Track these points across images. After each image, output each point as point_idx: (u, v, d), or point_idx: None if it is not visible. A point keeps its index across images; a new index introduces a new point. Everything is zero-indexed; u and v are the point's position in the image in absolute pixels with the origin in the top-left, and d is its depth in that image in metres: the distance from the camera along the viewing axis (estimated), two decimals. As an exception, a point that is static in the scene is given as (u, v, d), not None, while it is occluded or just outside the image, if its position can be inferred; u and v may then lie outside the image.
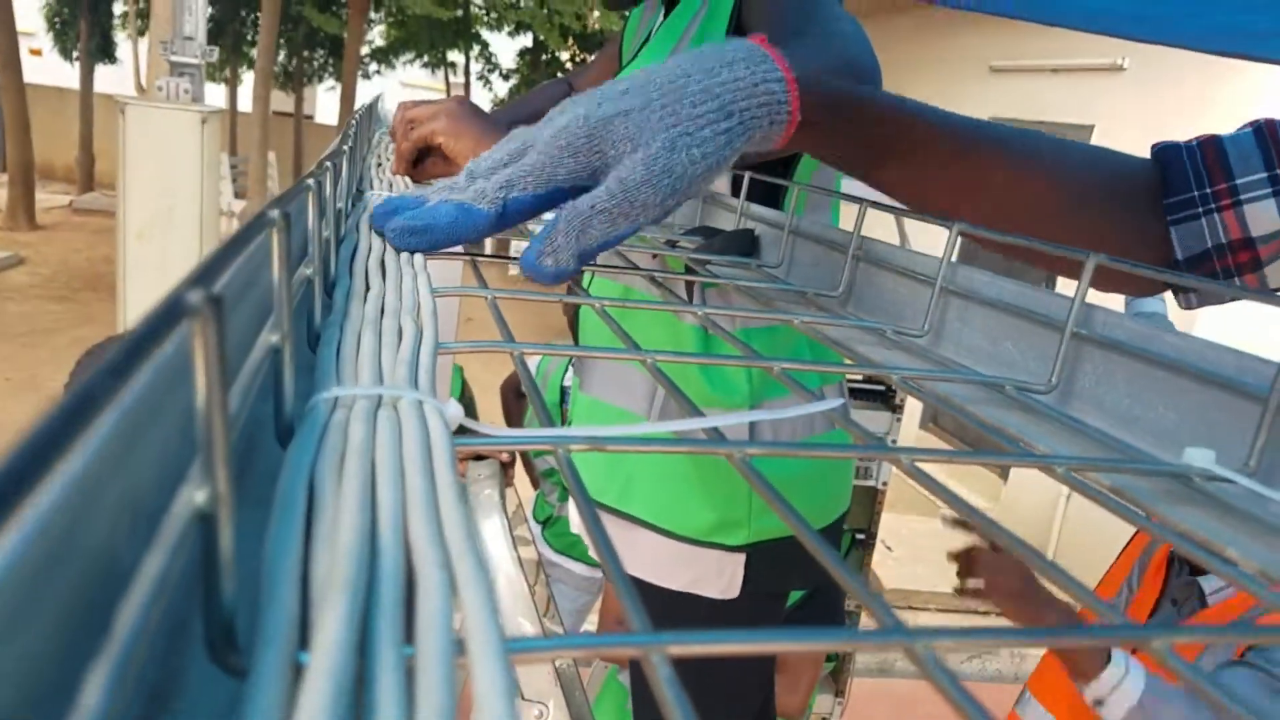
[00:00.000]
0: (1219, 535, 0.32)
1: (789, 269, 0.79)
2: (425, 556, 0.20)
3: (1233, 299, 0.49)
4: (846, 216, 1.03)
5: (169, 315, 0.15)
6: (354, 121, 0.78)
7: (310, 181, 0.34)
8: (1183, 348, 0.41)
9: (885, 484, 2.58)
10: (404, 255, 0.55)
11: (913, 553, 4.57)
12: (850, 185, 1.07)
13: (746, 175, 0.87)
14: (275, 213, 0.25)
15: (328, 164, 0.45)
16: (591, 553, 1.33)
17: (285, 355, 0.27)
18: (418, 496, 0.23)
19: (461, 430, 0.31)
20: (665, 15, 1.15)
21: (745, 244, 0.83)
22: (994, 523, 0.31)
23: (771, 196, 0.99)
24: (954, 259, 0.57)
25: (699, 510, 1.09)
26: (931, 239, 0.77)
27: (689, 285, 0.95)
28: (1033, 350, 0.49)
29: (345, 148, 0.57)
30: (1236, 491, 0.34)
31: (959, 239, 0.56)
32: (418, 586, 0.20)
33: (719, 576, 1.12)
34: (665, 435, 0.34)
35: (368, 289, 0.47)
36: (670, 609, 1.14)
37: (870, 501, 2.56)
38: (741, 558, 1.11)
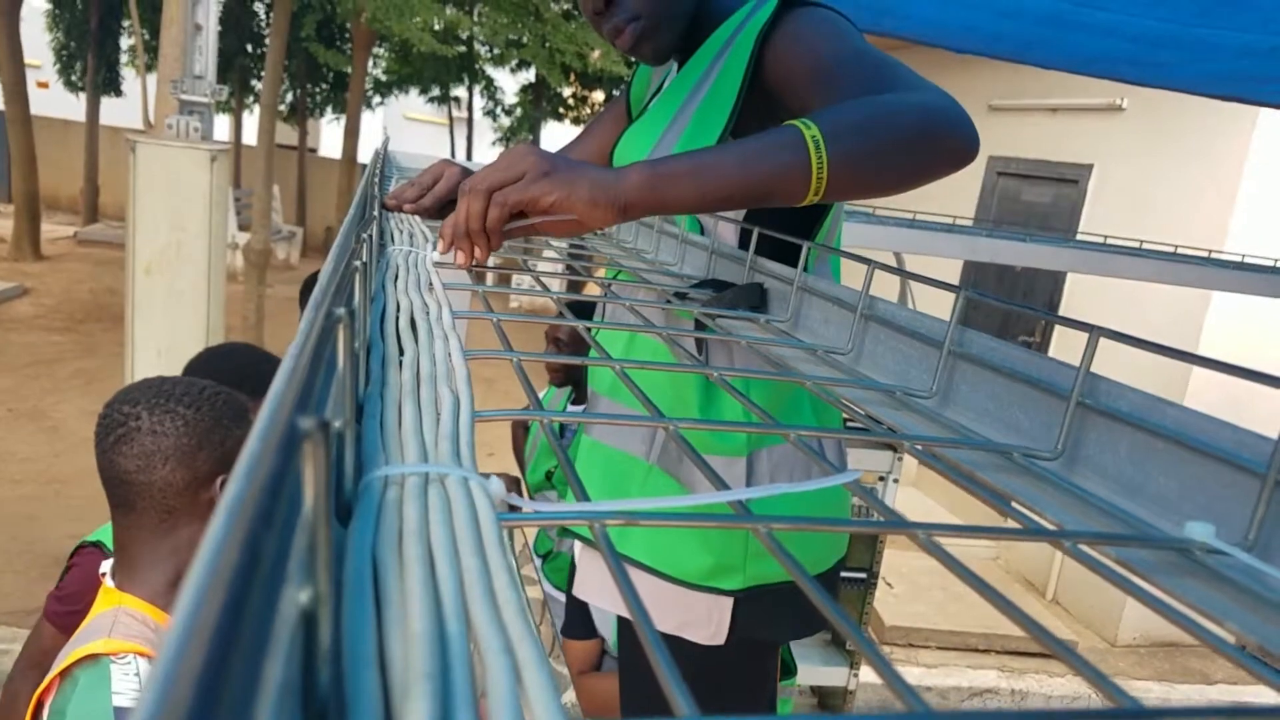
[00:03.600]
0: (1218, 609, 0.34)
1: (797, 323, 0.81)
2: (489, 642, 0.22)
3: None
4: (848, 273, 1.05)
5: (288, 441, 0.17)
6: (375, 179, 0.80)
7: (358, 263, 0.36)
8: (1183, 420, 0.42)
9: (887, 523, 2.59)
10: (432, 313, 0.57)
11: (913, 590, 4.57)
12: (853, 245, 1.09)
13: (755, 230, 0.89)
14: (342, 310, 0.27)
15: (365, 235, 0.47)
16: (616, 609, 1.33)
17: (347, 439, 0.29)
18: (474, 579, 0.25)
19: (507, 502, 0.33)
20: (679, 67, 1.18)
21: (755, 298, 0.85)
22: (991, 587, 0.32)
23: (779, 250, 1.01)
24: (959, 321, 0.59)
25: (695, 554, 1.10)
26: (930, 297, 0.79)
27: (698, 336, 0.97)
28: (1038, 416, 0.51)
29: (375, 213, 0.59)
30: (1235, 565, 0.36)
31: (964, 301, 0.59)
32: (485, 670, 0.21)
33: (707, 622, 1.12)
34: (695, 509, 0.36)
35: (401, 352, 0.49)
36: None
37: (872, 542, 2.57)
38: (730, 603, 1.11)
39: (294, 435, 0.17)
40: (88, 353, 7.27)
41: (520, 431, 3.03)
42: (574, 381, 2.71)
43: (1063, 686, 4.27)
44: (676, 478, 1.11)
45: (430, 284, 0.68)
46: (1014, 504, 0.44)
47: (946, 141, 0.80)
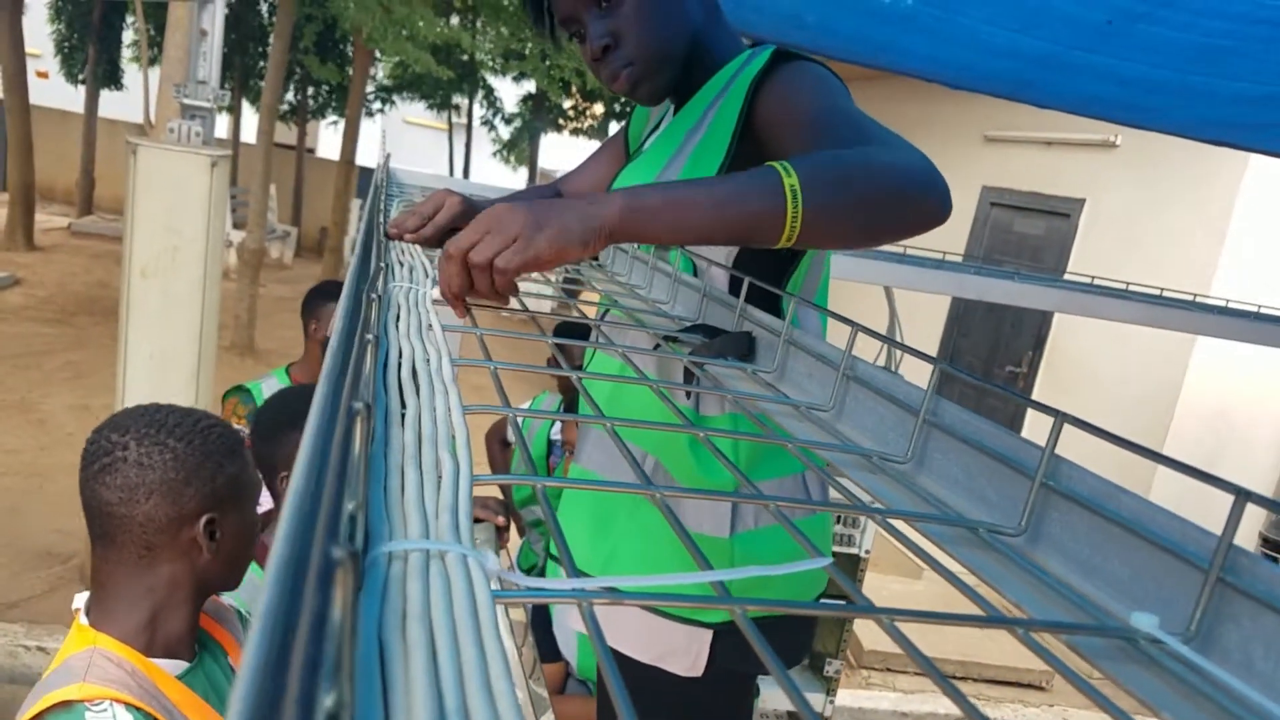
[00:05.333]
0: (1155, 697, 0.36)
1: (782, 375, 0.84)
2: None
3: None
4: (833, 321, 1.09)
5: (324, 570, 0.19)
6: (379, 221, 0.83)
7: (370, 336, 0.39)
8: (1136, 509, 0.45)
9: (868, 552, 2.62)
10: (433, 363, 0.60)
11: (893, 615, 4.59)
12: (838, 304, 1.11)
13: (746, 280, 0.92)
14: (360, 404, 0.30)
15: (373, 296, 0.49)
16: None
17: (359, 522, 0.31)
18: (472, 670, 0.28)
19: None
20: (675, 110, 1.21)
21: (743, 346, 0.88)
22: (955, 687, 0.35)
23: (766, 299, 1.04)
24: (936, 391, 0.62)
25: (678, 587, 1.12)
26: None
27: (687, 378, 1.00)
28: (1005, 490, 0.54)
29: (381, 263, 0.61)
30: (1178, 654, 0.39)
31: (940, 373, 0.62)
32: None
33: (685, 653, 1.15)
34: (679, 589, 0.39)
35: (403, 405, 0.52)
36: (636, 680, 1.17)
37: (853, 569, 2.60)
38: (709, 635, 1.14)
39: (328, 563, 0.19)
40: (78, 345, 7.26)
41: (497, 447, 3.03)
42: (568, 390, 2.73)
43: (1038, 716, 4.30)
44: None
45: (430, 325, 0.70)
46: (977, 579, 0.46)
47: (920, 203, 0.83)
